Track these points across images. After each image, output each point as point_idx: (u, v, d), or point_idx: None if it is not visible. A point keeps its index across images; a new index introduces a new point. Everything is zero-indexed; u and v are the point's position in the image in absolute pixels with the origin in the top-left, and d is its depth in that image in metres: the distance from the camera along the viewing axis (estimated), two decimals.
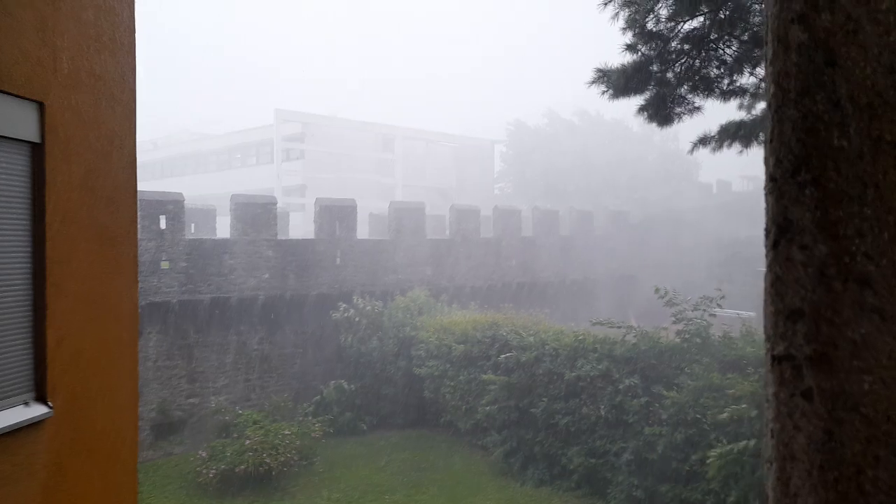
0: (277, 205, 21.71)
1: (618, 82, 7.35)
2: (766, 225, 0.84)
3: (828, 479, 0.75)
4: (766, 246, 0.84)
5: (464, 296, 23.52)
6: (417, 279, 22.80)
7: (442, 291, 22.53)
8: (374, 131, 57.32)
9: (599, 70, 7.50)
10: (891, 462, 0.75)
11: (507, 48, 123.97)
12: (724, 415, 11.12)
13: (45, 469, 3.90)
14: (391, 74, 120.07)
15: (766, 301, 0.83)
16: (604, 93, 7.59)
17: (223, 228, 22.78)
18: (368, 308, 20.07)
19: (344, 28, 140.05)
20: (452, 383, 17.30)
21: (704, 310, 14.00)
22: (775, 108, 0.82)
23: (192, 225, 23.49)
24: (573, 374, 14.41)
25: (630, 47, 7.13)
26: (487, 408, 15.82)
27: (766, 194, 0.84)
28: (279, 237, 21.22)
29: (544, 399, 14.91)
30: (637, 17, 6.68)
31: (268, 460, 14.99)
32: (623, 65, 7.32)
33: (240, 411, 17.87)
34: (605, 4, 6.74)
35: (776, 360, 0.82)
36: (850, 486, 0.74)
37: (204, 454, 15.62)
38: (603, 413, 13.82)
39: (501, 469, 15.57)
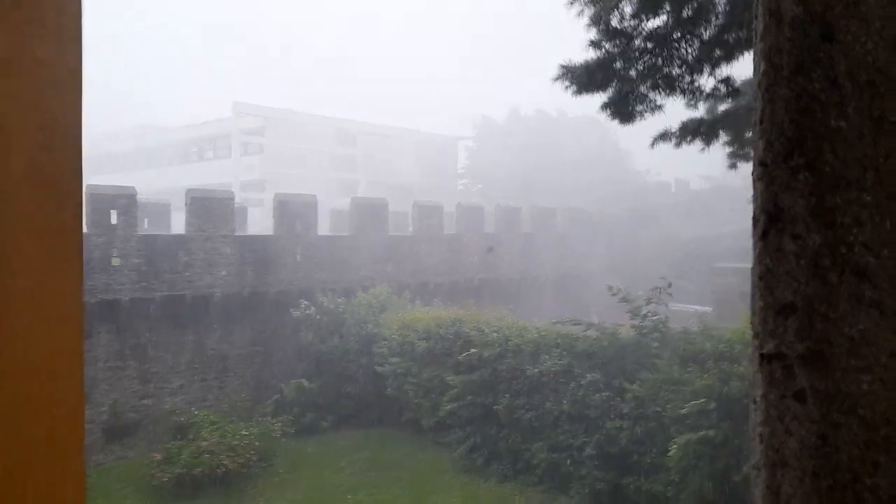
0: (235, 200, 21.23)
1: (581, 78, 7.40)
2: (755, 213, 0.78)
3: (822, 486, 0.70)
4: (753, 236, 0.78)
5: (427, 292, 23.44)
6: (380, 276, 22.62)
7: (405, 288, 22.41)
8: (335, 126, 56.71)
9: (563, 66, 7.55)
10: (890, 468, 0.70)
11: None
12: (685, 410, 11.34)
13: None
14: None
15: (753, 295, 0.78)
16: (567, 88, 7.65)
17: (179, 224, 22.16)
18: (330, 306, 19.81)
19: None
20: (415, 381, 17.22)
21: (656, 303, 14.24)
22: (766, 87, 0.76)
23: (146, 220, 22.82)
24: (536, 369, 14.50)
25: (594, 44, 7.17)
26: (449, 406, 15.80)
27: (754, 180, 0.79)
28: (237, 233, 20.75)
29: (507, 395, 14.97)
30: (602, 13, 6.72)
31: (226, 462, 14.64)
32: (587, 61, 7.38)
33: (196, 412, 17.40)
34: (571, 3, 6.77)
35: (765, 358, 0.76)
36: (845, 494, 0.69)
37: (158, 457, 15.16)
38: (566, 408, 13.94)
39: (465, 466, 15.57)
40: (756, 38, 0.78)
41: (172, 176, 52.08)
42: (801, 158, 0.73)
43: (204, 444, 15.01)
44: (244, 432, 15.74)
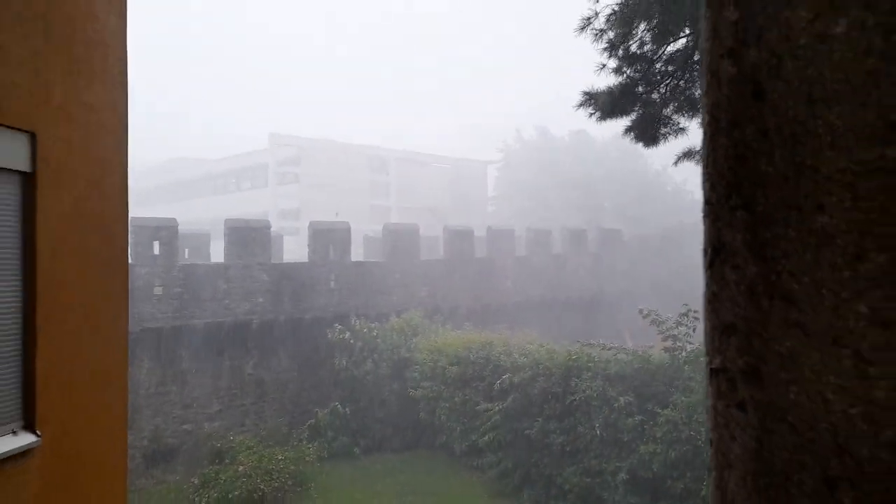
0: (271, 228, 21.75)
1: (605, 105, 7.47)
2: (704, 246, 0.89)
3: (760, 485, 0.80)
4: (703, 266, 0.89)
5: (459, 316, 23.48)
6: (412, 300, 22.77)
7: (437, 312, 22.49)
8: (369, 154, 57.68)
9: (587, 93, 7.64)
10: (814, 468, 0.80)
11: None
12: None
13: (34, 499, 3.88)
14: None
15: (704, 317, 0.88)
16: (591, 115, 7.72)
17: (217, 253, 22.77)
18: (364, 331, 20.01)
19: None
20: (447, 405, 17.21)
21: (686, 326, 14.05)
22: (710, 137, 0.88)
23: (186, 250, 23.49)
24: (571, 396, 14.35)
25: (616, 69, 7.26)
26: (486, 437, 15.70)
27: (703, 218, 0.90)
28: (273, 261, 21.21)
29: (539, 419, 14.84)
30: (619, 40, 6.81)
31: (262, 486, 14.80)
32: (610, 87, 7.46)
33: (233, 437, 17.68)
34: (582, 29, 6.87)
35: (714, 372, 0.87)
36: (779, 491, 0.78)
37: (196, 482, 15.42)
38: (598, 432, 13.75)
39: (498, 490, 15.42)
40: (702, 94, 0.90)
41: (212, 206, 53.53)
42: (738, 199, 0.84)
43: (240, 468, 15.22)
44: (280, 457, 15.90)
